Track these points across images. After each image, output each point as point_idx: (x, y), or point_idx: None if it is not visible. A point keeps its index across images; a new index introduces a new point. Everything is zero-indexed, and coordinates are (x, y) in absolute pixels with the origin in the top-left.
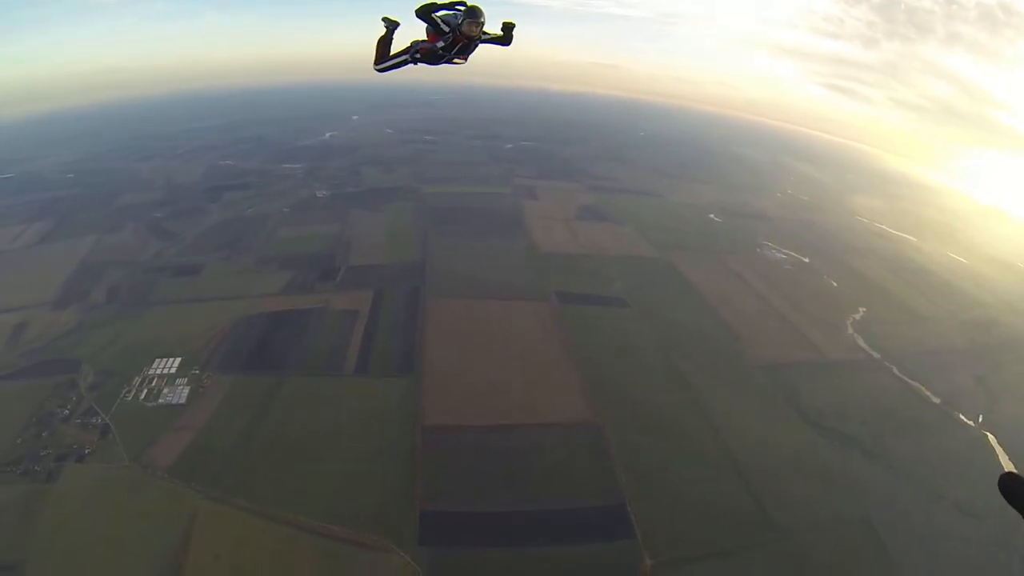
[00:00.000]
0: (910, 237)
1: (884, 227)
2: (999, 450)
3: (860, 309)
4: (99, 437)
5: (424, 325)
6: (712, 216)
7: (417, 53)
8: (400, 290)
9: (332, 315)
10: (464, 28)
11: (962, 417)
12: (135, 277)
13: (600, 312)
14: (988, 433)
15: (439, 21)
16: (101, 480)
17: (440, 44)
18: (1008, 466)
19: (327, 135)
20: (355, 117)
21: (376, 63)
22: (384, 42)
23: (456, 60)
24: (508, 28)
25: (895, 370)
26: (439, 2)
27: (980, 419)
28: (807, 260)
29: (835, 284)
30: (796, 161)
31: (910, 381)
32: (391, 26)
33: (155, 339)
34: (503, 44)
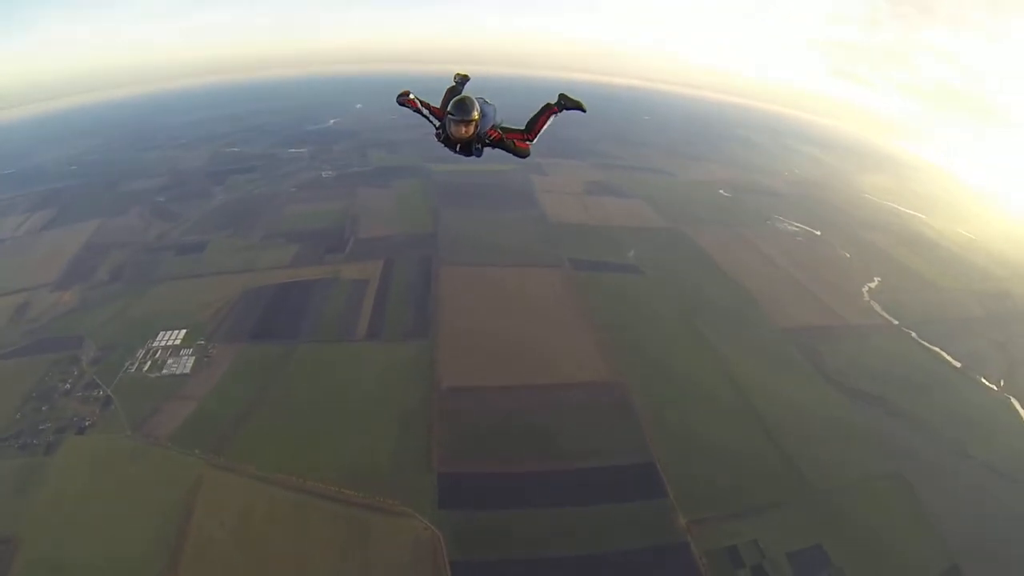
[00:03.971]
0: (919, 214)
1: (893, 204)
2: (1023, 411)
3: (875, 278)
4: (100, 409)
5: (437, 291)
6: (722, 192)
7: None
8: (411, 259)
9: (342, 284)
10: (451, 130)
11: (984, 381)
12: (139, 256)
13: (615, 278)
14: (1011, 397)
15: (424, 112)
16: (102, 451)
17: (439, 138)
18: None
19: (331, 122)
20: (359, 105)
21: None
22: (450, 93)
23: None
24: (561, 105)
25: (914, 335)
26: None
27: (1002, 383)
28: (819, 233)
29: (848, 255)
30: (802, 144)
31: (930, 346)
32: (461, 80)
33: (159, 313)
34: (518, 154)
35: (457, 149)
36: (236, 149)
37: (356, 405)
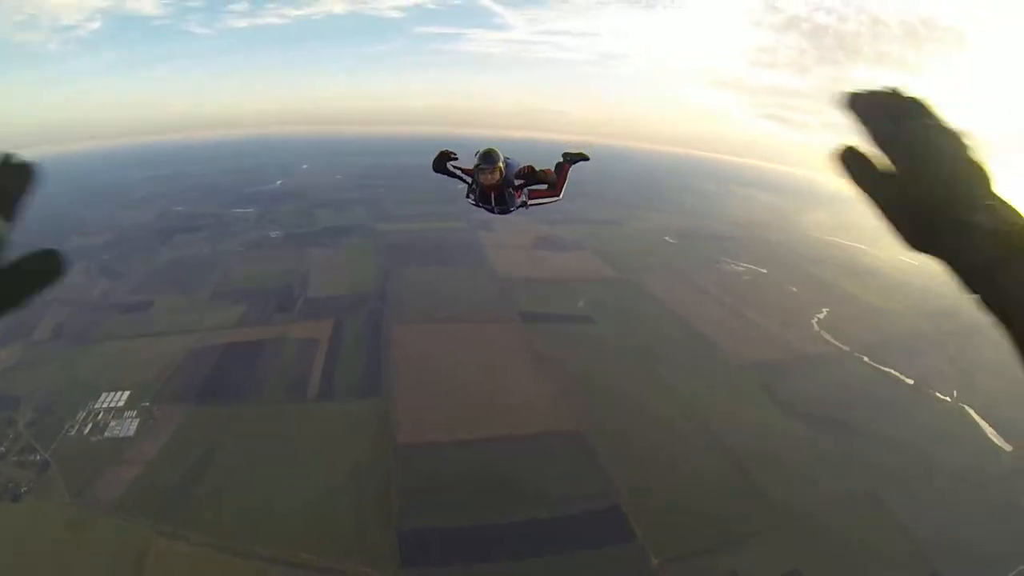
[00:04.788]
0: (861, 245)
1: (835, 239)
2: (978, 419)
3: (823, 309)
4: (37, 474)
5: (389, 349)
6: (668, 239)
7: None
8: (362, 318)
9: (291, 344)
10: (481, 179)
11: (938, 394)
12: (82, 315)
13: (568, 328)
14: (965, 405)
15: (458, 173)
16: (39, 519)
17: (470, 199)
18: (992, 435)
19: (278, 182)
20: (304, 166)
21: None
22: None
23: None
24: (569, 160)
25: (866, 359)
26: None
27: (955, 394)
28: (765, 271)
29: (795, 289)
30: (743, 188)
31: (882, 367)
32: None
33: (102, 374)
34: (550, 183)
35: (492, 204)
36: (182, 208)
37: (310, 466)
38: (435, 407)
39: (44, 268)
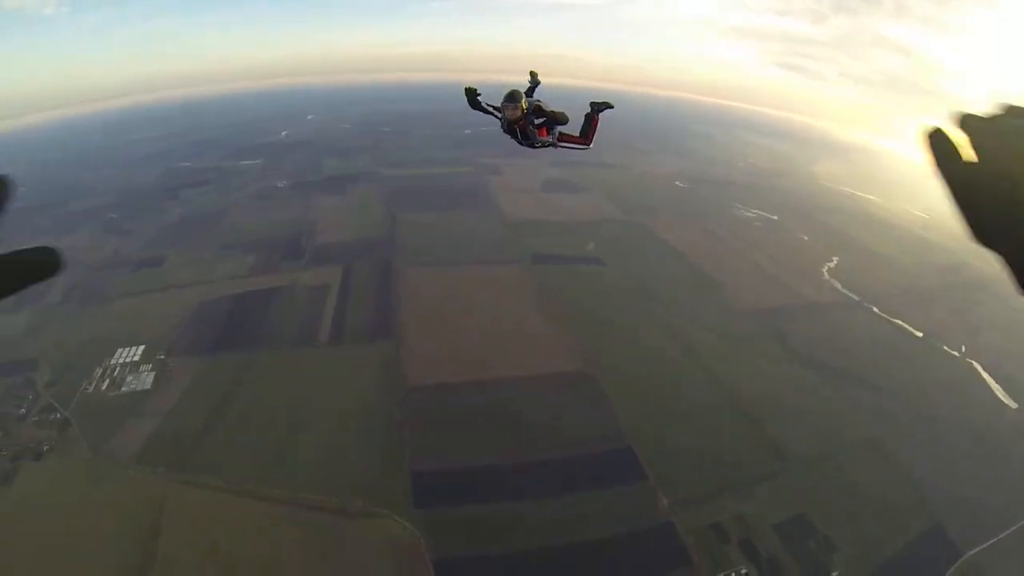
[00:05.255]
0: (873, 197)
1: (847, 189)
2: (987, 376)
3: (834, 258)
4: (58, 433)
5: (398, 292)
6: (678, 183)
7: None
8: (370, 263)
9: (301, 291)
10: (506, 114)
11: (946, 348)
12: (92, 275)
13: (577, 270)
14: (974, 361)
15: (490, 109)
16: (61, 476)
17: (504, 128)
18: (999, 392)
19: (283, 134)
20: (310, 116)
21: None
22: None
23: (537, 146)
24: (596, 110)
25: (875, 309)
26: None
27: (963, 349)
28: (776, 218)
29: (806, 238)
30: (755, 136)
31: (891, 318)
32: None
33: (116, 331)
34: (561, 121)
35: (519, 137)
36: (188, 164)
37: (322, 410)
38: (445, 349)
39: (41, 263)
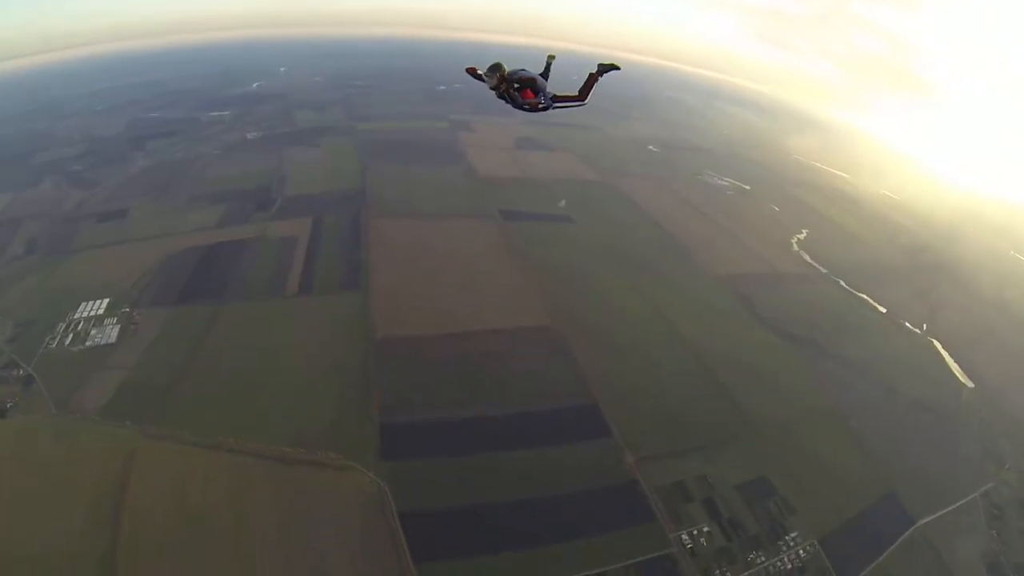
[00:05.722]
0: (843, 174)
1: (818, 164)
2: (946, 355)
3: (803, 230)
4: (22, 389)
5: (368, 244)
6: (651, 147)
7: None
8: (341, 215)
9: (270, 242)
10: (488, 82)
11: (908, 324)
12: (56, 227)
13: (547, 227)
14: (934, 340)
15: (481, 76)
16: (26, 433)
17: (496, 95)
18: (957, 371)
19: (255, 85)
20: (283, 68)
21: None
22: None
23: (527, 108)
24: (601, 71)
25: (842, 282)
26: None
27: (924, 327)
28: (748, 187)
29: (777, 209)
30: (730, 106)
31: (857, 293)
32: (550, 60)
33: (80, 284)
34: (577, 100)
35: (509, 101)
36: (156, 114)
37: (291, 361)
38: (414, 301)
39: None
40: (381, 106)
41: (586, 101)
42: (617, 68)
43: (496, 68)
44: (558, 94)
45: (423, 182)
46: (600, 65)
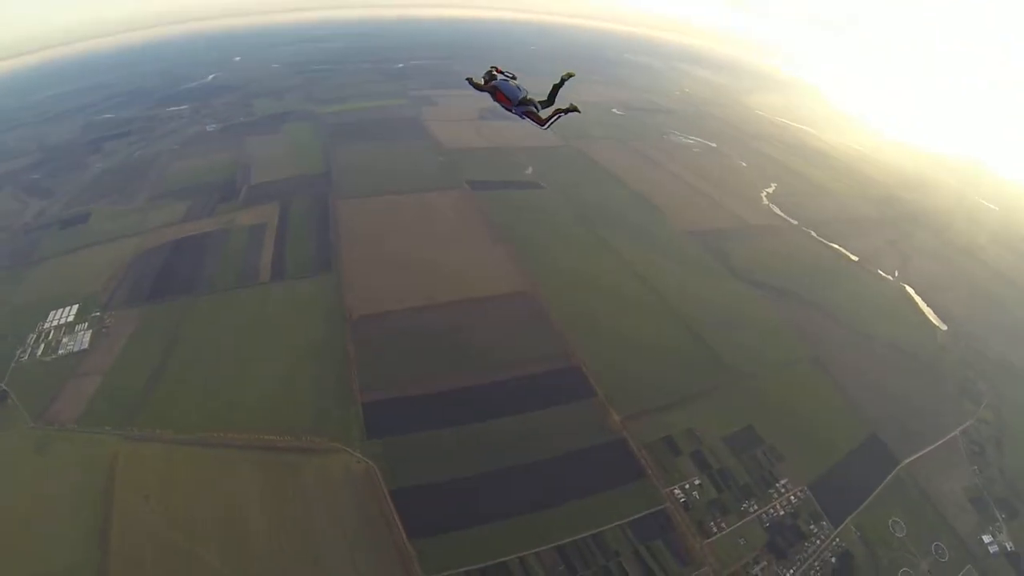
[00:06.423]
0: (809, 128)
1: (784, 120)
2: (919, 300)
3: (772, 184)
4: None
5: (337, 225)
6: (615, 110)
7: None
8: (308, 198)
9: (239, 232)
10: (473, 83)
11: (880, 272)
12: (17, 239)
13: (516, 195)
14: (906, 286)
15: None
16: (4, 450)
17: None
18: (930, 314)
19: (210, 77)
20: (237, 58)
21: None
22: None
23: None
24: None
25: (813, 233)
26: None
27: (896, 274)
28: (714, 145)
29: (744, 164)
30: (692, 66)
31: (828, 243)
32: (566, 77)
33: (47, 293)
34: (537, 121)
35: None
36: (110, 115)
37: (268, 347)
38: (387, 278)
39: None
40: (340, 88)
41: (544, 127)
42: (577, 111)
43: (485, 75)
44: (533, 106)
45: (388, 159)
46: (558, 108)
